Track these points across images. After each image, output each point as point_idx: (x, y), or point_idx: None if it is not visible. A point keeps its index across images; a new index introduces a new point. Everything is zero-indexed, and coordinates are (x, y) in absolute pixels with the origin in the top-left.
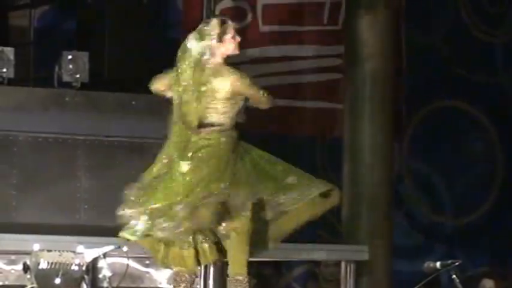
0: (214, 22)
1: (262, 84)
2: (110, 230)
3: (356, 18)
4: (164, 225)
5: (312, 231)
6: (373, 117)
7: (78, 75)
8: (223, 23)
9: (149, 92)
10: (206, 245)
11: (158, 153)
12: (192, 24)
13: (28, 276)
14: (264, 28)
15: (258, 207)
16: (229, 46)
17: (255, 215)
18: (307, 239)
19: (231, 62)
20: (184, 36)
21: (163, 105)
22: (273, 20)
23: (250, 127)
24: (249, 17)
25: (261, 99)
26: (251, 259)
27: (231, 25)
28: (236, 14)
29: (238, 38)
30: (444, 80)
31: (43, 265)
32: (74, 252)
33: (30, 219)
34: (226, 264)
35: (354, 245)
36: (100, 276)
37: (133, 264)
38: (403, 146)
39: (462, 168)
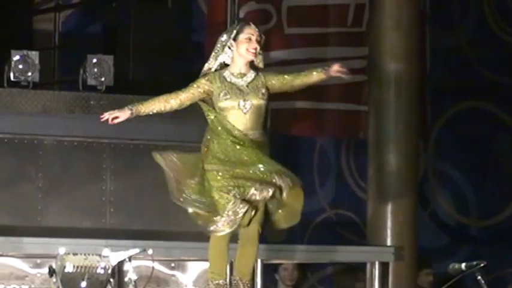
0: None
1: None
2: (136, 233)
3: (380, 19)
4: None
5: (336, 233)
6: (398, 119)
7: (103, 79)
8: (244, 23)
9: None
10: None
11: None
12: (216, 27)
13: (54, 279)
14: (289, 30)
15: None
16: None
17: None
18: (331, 240)
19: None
20: (208, 40)
21: (188, 108)
22: (297, 22)
23: (275, 130)
24: (274, 19)
25: None
26: (276, 261)
27: (251, 27)
28: (261, 16)
29: (254, 44)
30: (469, 82)
31: (69, 268)
32: (99, 255)
33: (56, 223)
34: None
35: (379, 246)
36: (126, 279)
37: (158, 267)
38: (429, 147)
39: (488, 169)
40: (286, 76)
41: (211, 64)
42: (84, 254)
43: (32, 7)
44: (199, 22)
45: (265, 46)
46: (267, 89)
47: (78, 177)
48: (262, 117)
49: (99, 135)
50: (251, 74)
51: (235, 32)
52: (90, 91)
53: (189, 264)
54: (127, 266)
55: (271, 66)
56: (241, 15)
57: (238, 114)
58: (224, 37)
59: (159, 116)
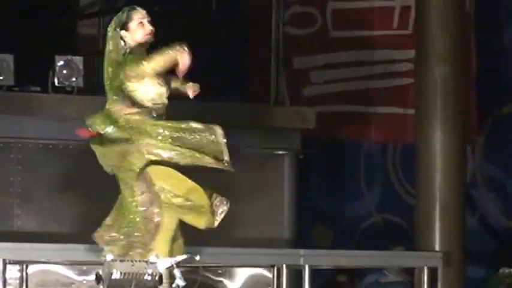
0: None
1: (331, 90)
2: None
3: (426, 22)
4: None
5: (383, 238)
6: (445, 122)
7: None
8: (130, 10)
9: (220, 99)
10: None
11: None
12: (261, 31)
13: (101, 286)
14: (334, 33)
15: None
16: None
17: None
18: (378, 245)
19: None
20: (252, 43)
21: (236, 113)
22: (342, 25)
23: (321, 133)
24: (319, 22)
25: None
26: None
27: (139, 11)
28: (305, 19)
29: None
30: None
31: (116, 275)
32: (146, 262)
33: None
34: None
35: (427, 251)
36: (173, 286)
37: (206, 273)
38: (476, 151)
39: None
40: None
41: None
42: (131, 261)
43: (76, 12)
44: (243, 25)
45: (311, 49)
46: None
47: None
48: None
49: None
50: None
51: (123, 23)
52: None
53: (237, 270)
54: (174, 273)
55: (316, 69)
56: (286, 18)
57: None
58: (113, 33)
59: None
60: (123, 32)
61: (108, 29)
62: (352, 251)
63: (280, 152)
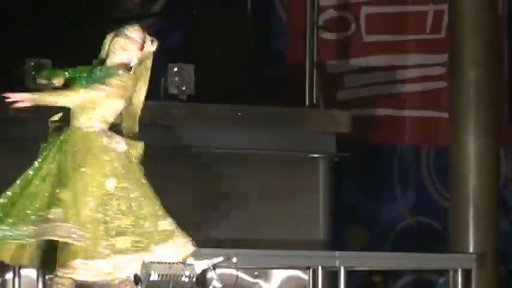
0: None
1: (365, 94)
2: (219, 241)
3: (459, 26)
4: None
5: (417, 240)
6: (478, 125)
7: (184, 88)
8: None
9: (255, 103)
10: None
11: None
12: (295, 35)
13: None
14: (368, 38)
15: None
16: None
17: None
18: (412, 248)
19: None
20: (288, 48)
21: (271, 116)
22: (376, 30)
23: (354, 137)
24: (353, 26)
25: None
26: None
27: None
28: (340, 24)
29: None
30: None
31: (154, 277)
32: (184, 263)
33: None
34: None
35: (461, 253)
36: (210, 287)
37: (242, 275)
38: (509, 152)
39: None
40: None
41: None
42: (169, 263)
43: (113, 16)
44: (278, 30)
45: (345, 53)
46: None
47: (162, 184)
48: None
49: (181, 143)
50: None
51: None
52: (171, 100)
53: (273, 272)
54: (211, 274)
55: (350, 73)
56: (320, 22)
57: None
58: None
59: (240, 124)
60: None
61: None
62: (387, 252)
63: (315, 156)
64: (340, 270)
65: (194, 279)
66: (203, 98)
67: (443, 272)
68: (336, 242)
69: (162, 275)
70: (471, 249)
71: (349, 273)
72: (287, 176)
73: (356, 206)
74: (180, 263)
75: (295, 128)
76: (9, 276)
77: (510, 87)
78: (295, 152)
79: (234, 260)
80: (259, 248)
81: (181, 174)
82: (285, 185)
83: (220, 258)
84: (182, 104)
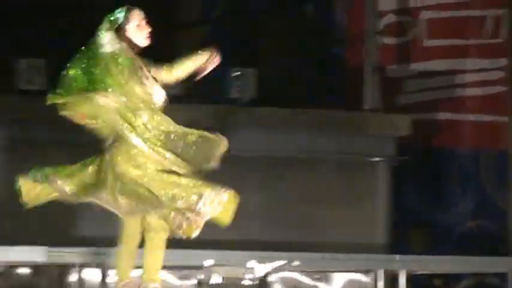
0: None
1: (425, 98)
2: (281, 244)
3: None
4: None
5: (478, 244)
6: None
7: (245, 92)
8: (128, 11)
9: (315, 107)
10: None
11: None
12: (355, 39)
13: None
14: (428, 42)
15: None
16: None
17: None
18: (473, 251)
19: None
20: (348, 51)
21: (331, 120)
22: (436, 34)
23: (414, 141)
24: (413, 31)
25: None
26: (420, 271)
27: (141, 14)
28: (399, 28)
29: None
30: None
31: (216, 280)
32: (246, 267)
33: (202, 235)
34: None
35: None
36: None
37: (302, 278)
38: None
39: None
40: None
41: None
42: (231, 266)
43: (174, 22)
44: (338, 34)
45: (405, 58)
46: None
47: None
48: None
49: (244, 147)
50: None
51: (121, 23)
52: (233, 104)
53: (334, 275)
54: (273, 278)
55: (410, 78)
56: (380, 27)
57: None
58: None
59: (302, 127)
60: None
61: (101, 27)
62: (447, 256)
63: (375, 159)
64: (400, 273)
65: (256, 282)
66: (264, 102)
67: (503, 275)
68: (397, 245)
69: (224, 278)
70: None
71: (410, 277)
72: (347, 180)
73: (416, 209)
74: (242, 266)
75: (355, 132)
76: (72, 278)
77: None
78: (355, 156)
79: (296, 263)
80: (320, 251)
81: (242, 178)
82: (345, 188)
83: (282, 262)
84: (243, 108)
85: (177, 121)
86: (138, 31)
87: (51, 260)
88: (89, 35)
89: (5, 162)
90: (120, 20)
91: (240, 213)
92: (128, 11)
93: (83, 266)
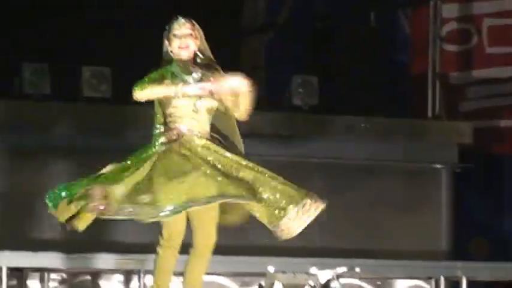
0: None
1: (487, 105)
2: (342, 251)
3: None
4: None
5: None
6: None
7: (308, 99)
8: (173, 20)
9: (378, 114)
10: None
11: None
12: (418, 47)
13: None
14: (490, 50)
15: None
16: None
17: None
18: None
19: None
20: (411, 59)
21: (394, 128)
22: (498, 41)
23: (477, 148)
24: (475, 38)
25: None
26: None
27: (179, 24)
28: (462, 36)
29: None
30: None
31: (277, 287)
32: (307, 273)
33: (264, 241)
34: None
35: None
36: None
37: (365, 285)
38: None
39: None
40: None
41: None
42: (293, 272)
43: (240, 30)
44: (402, 42)
45: (467, 65)
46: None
47: None
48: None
49: (306, 154)
50: (197, 72)
51: (168, 32)
52: (295, 111)
53: (395, 282)
54: (334, 284)
55: (473, 85)
56: (443, 34)
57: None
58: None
59: (365, 135)
60: (166, 42)
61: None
62: (509, 263)
63: (438, 166)
64: (462, 280)
65: None
66: (327, 109)
67: None
68: (458, 252)
69: (286, 285)
70: None
71: (471, 284)
72: (410, 186)
73: (478, 216)
74: (304, 273)
75: (418, 138)
76: (134, 285)
77: None
78: (418, 163)
79: (358, 269)
80: (382, 258)
81: (304, 184)
82: (408, 195)
83: (344, 268)
84: (306, 115)
85: (241, 128)
86: (175, 40)
87: (117, 266)
88: (152, 44)
89: (68, 169)
90: (169, 29)
91: None
92: (173, 20)
93: (147, 272)
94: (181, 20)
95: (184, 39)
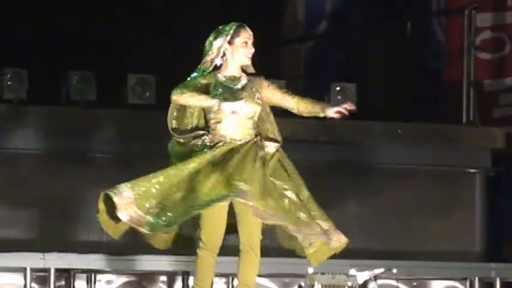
0: (232, 23)
1: None
2: (380, 253)
3: None
4: None
5: None
6: None
7: None
8: (239, 26)
9: (414, 120)
10: None
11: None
12: (453, 55)
13: None
14: None
15: None
16: (239, 51)
17: None
18: None
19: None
20: (446, 67)
21: (429, 133)
22: None
23: (509, 153)
24: (508, 47)
25: None
26: None
27: (247, 31)
28: (495, 44)
29: (251, 48)
30: None
31: (317, 287)
32: (346, 274)
33: None
34: None
35: None
36: None
37: (402, 285)
38: None
39: None
40: (288, 95)
41: (207, 66)
42: (332, 273)
43: (279, 39)
44: (436, 49)
45: (500, 72)
46: (260, 94)
47: (322, 199)
48: (256, 124)
49: (343, 159)
50: (244, 78)
51: (230, 36)
52: (333, 118)
53: (431, 283)
54: (372, 285)
55: (505, 92)
56: (477, 43)
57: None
58: (218, 41)
59: (400, 140)
60: (226, 45)
61: (210, 38)
62: None
63: (472, 170)
64: (496, 281)
65: None
66: (364, 116)
67: None
68: (491, 254)
69: (326, 286)
70: None
71: (505, 285)
72: (445, 190)
73: (510, 218)
74: (343, 274)
75: (452, 144)
76: (177, 286)
77: None
78: (453, 167)
79: (394, 271)
80: (418, 260)
81: (342, 188)
82: (443, 198)
83: (381, 269)
84: (344, 122)
85: (282, 134)
86: (242, 48)
87: (177, 268)
88: (196, 53)
89: (113, 174)
90: (229, 33)
91: (340, 222)
92: (239, 27)
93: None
94: (248, 28)
95: (251, 48)
